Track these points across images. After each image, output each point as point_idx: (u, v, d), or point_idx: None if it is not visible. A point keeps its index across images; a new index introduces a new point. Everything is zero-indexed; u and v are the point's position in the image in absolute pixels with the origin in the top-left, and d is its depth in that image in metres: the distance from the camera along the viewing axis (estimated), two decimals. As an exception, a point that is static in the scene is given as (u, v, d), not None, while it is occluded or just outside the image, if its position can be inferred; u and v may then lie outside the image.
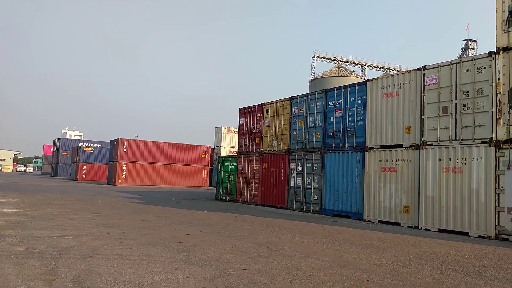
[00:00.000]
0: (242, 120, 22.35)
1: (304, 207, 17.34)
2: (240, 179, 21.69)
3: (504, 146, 10.83)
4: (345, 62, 58.62)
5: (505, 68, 11.00)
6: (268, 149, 20.07)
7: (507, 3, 11.20)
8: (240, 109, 22.64)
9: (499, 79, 11.08)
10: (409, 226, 12.95)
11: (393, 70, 58.69)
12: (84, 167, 49.74)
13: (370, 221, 14.20)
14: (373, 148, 14.58)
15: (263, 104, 20.87)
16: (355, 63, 59.49)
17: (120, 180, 38.52)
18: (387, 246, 9.05)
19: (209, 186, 43.63)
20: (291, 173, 18.27)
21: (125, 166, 38.90)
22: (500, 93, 11.01)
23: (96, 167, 50.38)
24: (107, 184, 40.81)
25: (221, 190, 23.22)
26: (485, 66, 11.55)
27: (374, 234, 10.95)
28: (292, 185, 18.15)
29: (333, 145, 16.38)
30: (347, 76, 51.87)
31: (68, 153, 64.45)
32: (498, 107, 11.01)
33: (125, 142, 39.38)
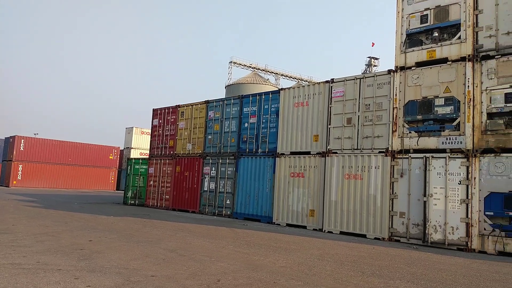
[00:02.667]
0: (156, 121, 21.72)
1: (216, 211, 17.38)
2: (151, 182, 21.01)
3: (398, 156, 12.00)
4: (261, 70, 60.15)
5: (401, 85, 12.22)
6: (182, 152, 19.75)
7: (405, 27, 12.47)
8: (154, 110, 21.98)
9: (396, 95, 12.27)
10: (314, 229, 13.68)
11: (304, 81, 61.62)
12: (-29, 167, 44.17)
13: (279, 225, 14.71)
14: (284, 154, 15.15)
15: (179, 106, 20.53)
16: (270, 72, 61.35)
17: (15, 182, 34.94)
18: (294, 248, 9.45)
19: (117, 190, 41.55)
20: (205, 177, 18.20)
21: (21, 166, 35.41)
22: (397, 107, 12.20)
23: (-15, 166, 45.04)
24: (0, 185, 36.75)
25: (129, 194, 22.24)
26: (384, 82, 12.71)
27: (282, 237, 11.35)
28: (205, 189, 18.09)
29: (247, 150, 16.69)
30: (262, 83, 53.24)
31: (-49, 150, 56.69)
32: (394, 121, 12.19)
33: (22, 140, 35.86)
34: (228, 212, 16.94)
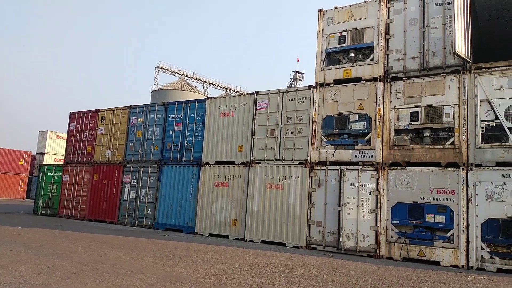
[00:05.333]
0: (73, 126, 20.49)
1: (136, 222, 16.78)
2: (65, 191, 19.69)
3: (316, 167, 12.63)
4: (189, 77, 59.57)
5: (320, 100, 12.92)
6: (100, 159, 18.83)
7: (325, 46, 13.24)
8: (71, 114, 20.75)
9: (315, 109, 12.93)
10: (236, 238, 13.81)
11: (233, 91, 62.22)
12: None
13: (201, 235, 14.62)
14: (208, 163, 15.14)
15: (99, 110, 19.60)
16: (198, 79, 61.03)
17: None
18: (214, 258, 9.46)
19: (27, 198, 38.33)
20: (125, 186, 17.51)
21: None
22: (316, 122, 12.86)
23: None
24: None
25: (40, 203, 20.64)
26: (305, 97, 13.35)
27: (203, 247, 11.30)
28: (125, 198, 17.40)
29: (171, 158, 16.41)
30: (190, 91, 52.74)
31: None
32: (313, 134, 12.82)
33: None
34: (149, 223, 16.45)
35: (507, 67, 10.46)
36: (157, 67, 57.28)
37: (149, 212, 16.54)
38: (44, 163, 32.55)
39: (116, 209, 17.58)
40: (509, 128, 10.20)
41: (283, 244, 12.72)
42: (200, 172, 15.27)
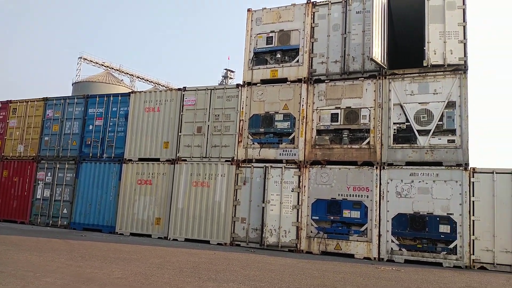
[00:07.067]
0: (-21, 118, 18.59)
1: (51, 222, 15.68)
2: (-31, 188, 17.81)
3: (242, 165, 12.76)
4: (115, 69, 56.89)
5: (247, 99, 13.07)
6: (11, 154, 17.31)
7: (253, 45, 13.40)
8: (-23, 104, 18.82)
9: (242, 108, 13.06)
10: (159, 237, 13.49)
11: (162, 86, 60.58)
12: None
13: (122, 234, 14.06)
14: (131, 160, 14.59)
15: (10, 101, 18.00)
16: (125, 73, 58.53)
17: None
18: (134, 258, 9.14)
19: None
20: (38, 184, 16.27)
21: None
22: (243, 120, 12.98)
23: None
24: None
25: None
26: (233, 95, 13.41)
27: (123, 247, 10.88)
28: (38, 197, 16.16)
29: (90, 154, 15.55)
30: (116, 84, 50.36)
31: None
32: (240, 132, 12.94)
33: None
34: (65, 223, 15.45)
35: (417, 74, 11.41)
36: (80, 57, 54.00)
37: (65, 211, 15.53)
38: None
39: (28, 208, 16.28)
40: (417, 131, 11.13)
41: (208, 242, 12.68)
42: (122, 169, 14.66)
